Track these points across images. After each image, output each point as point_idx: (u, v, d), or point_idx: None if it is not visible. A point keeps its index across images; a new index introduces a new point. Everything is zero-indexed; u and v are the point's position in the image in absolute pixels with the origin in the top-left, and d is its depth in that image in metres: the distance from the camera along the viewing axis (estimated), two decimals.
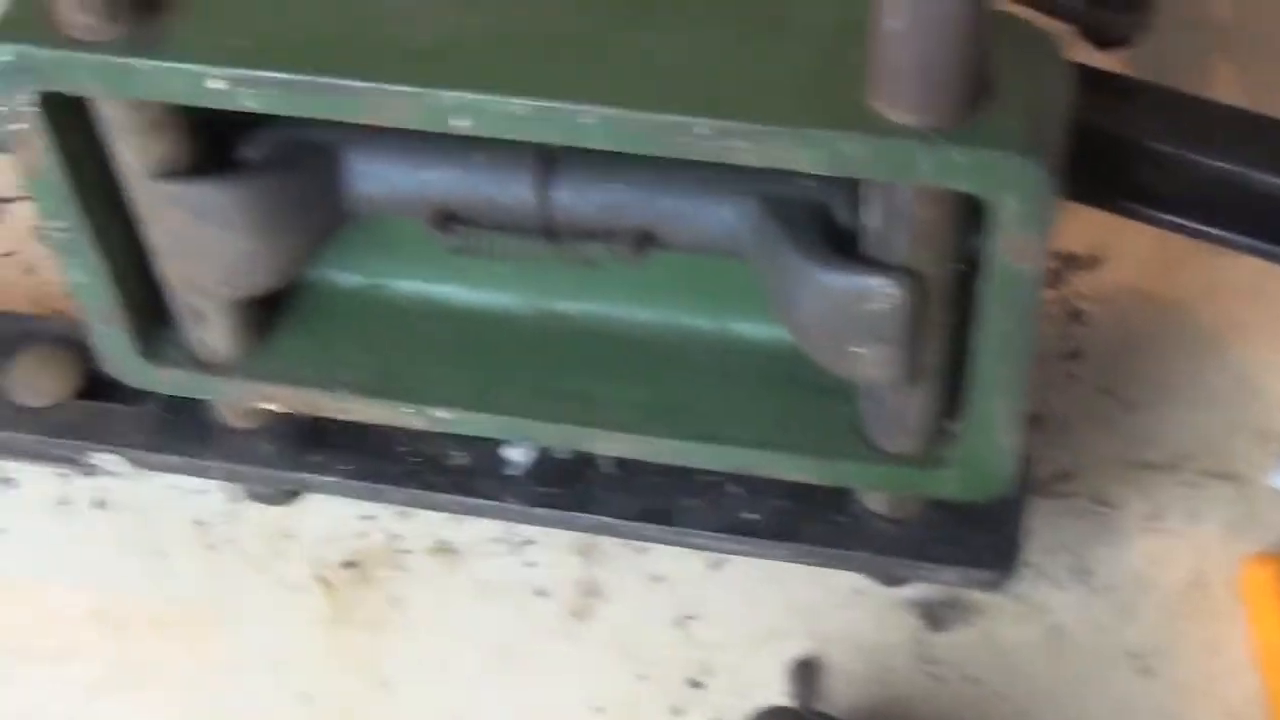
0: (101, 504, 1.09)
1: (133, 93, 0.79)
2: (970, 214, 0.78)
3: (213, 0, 0.79)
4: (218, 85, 0.77)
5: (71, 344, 1.03)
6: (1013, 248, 0.76)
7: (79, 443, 1.02)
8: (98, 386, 1.03)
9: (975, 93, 0.72)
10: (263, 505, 1.07)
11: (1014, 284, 0.77)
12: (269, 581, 1.06)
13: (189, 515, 1.09)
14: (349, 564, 1.06)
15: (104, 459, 1.02)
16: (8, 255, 1.21)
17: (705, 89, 0.75)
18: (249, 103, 0.78)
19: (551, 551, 1.05)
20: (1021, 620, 1.00)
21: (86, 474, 1.07)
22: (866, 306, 0.80)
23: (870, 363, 0.83)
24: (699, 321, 0.95)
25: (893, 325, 0.80)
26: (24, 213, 1.22)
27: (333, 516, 1.07)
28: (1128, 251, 1.11)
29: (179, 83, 0.78)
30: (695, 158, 0.75)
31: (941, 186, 0.74)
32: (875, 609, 1.01)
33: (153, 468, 1.03)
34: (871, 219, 0.79)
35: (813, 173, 0.75)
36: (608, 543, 1.04)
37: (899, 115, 0.73)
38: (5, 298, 1.17)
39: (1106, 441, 1.06)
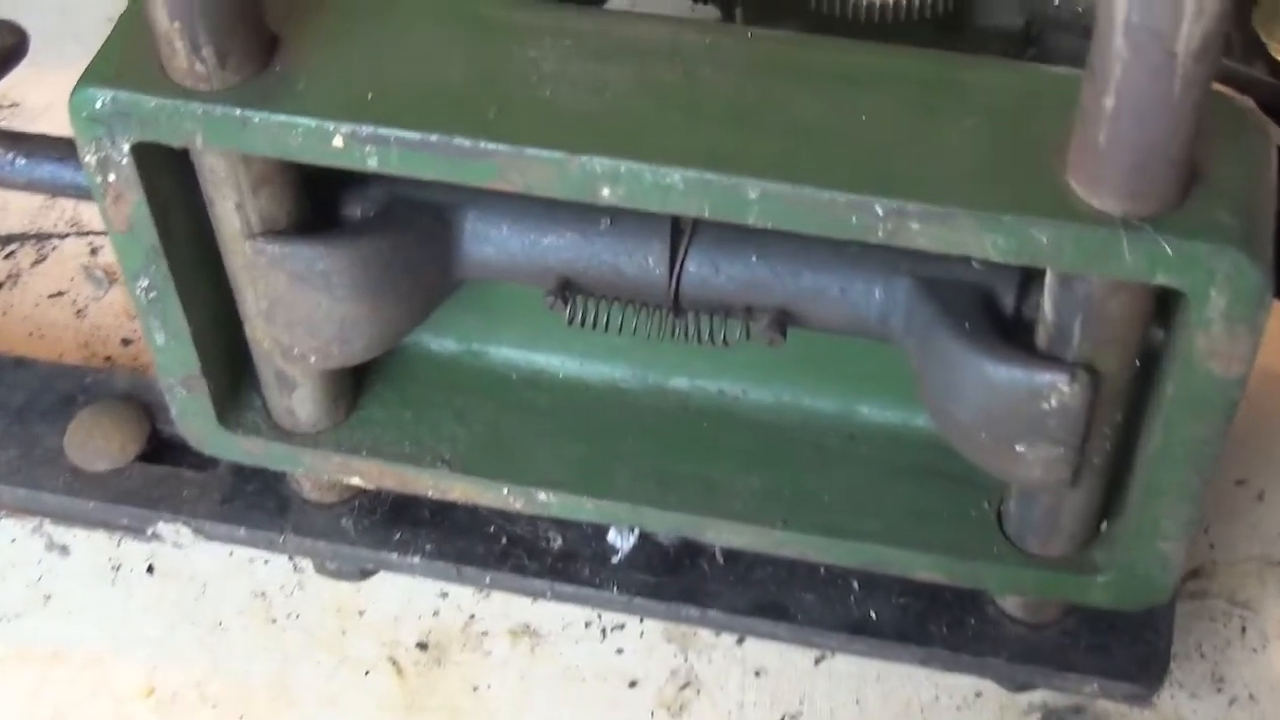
0: (155, 570, 1.01)
1: (245, 146, 0.72)
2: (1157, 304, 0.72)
3: (334, 48, 0.72)
4: (339, 143, 0.70)
5: (134, 402, 0.96)
6: (1213, 350, 0.69)
7: (142, 511, 0.94)
8: (160, 449, 0.96)
9: (1186, 177, 0.66)
10: (332, 579, 0.99)
11: (1208, 389, 0.70)
12: (335, 661, 0.98)
13: (250, 586, 1.01)
14: (422, 645, 0.99)
15: (168, 529, 0.95)
16: (56, 296, 1.14)
17: (878, 164, 0.68)
18: (371, 162, 0.71)
19: (644, 637, 0.98)
20: None
21: (145, 541, 0.99)
22: (1038, 404, 0.73)
23: (1034, 463, 0.76)
24: (823, 403, 0.88)
25: (1066, 425, 0.74)
26: (73, 250, 1.15)
27: (405, 592, 1.00)
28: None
29: (297, 138, 0.71)
30: (865, 239, 0.69)
31: (1141, 280, 0.67)
32: (996, 713, 0.94)
33: (220, 539, 0.96)
34: (1047, 308, 0.73)
35: (996, 260, 0.68)
36: (705, 630, 0.96)
37: (1101, 200, 0.66)
38: (55, 344, 1.10)
39: (1242, 537, 1.00)
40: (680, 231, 0.79)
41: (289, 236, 0.77)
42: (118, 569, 1.01)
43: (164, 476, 0.96)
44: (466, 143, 0.70)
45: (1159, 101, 0.62)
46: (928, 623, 0.89)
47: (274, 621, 1.00)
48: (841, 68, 0.72)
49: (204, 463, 0.94)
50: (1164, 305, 0.72)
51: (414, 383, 0.90)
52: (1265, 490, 1.02)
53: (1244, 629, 0.96)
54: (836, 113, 0.70)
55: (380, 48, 0.73)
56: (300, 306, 0.79)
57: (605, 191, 0.70)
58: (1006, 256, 0.68)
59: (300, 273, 0.78)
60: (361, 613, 1.00)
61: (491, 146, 0.69)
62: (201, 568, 1.01)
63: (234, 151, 0.73)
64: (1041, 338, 0.74)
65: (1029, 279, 0.75)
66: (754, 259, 0.79)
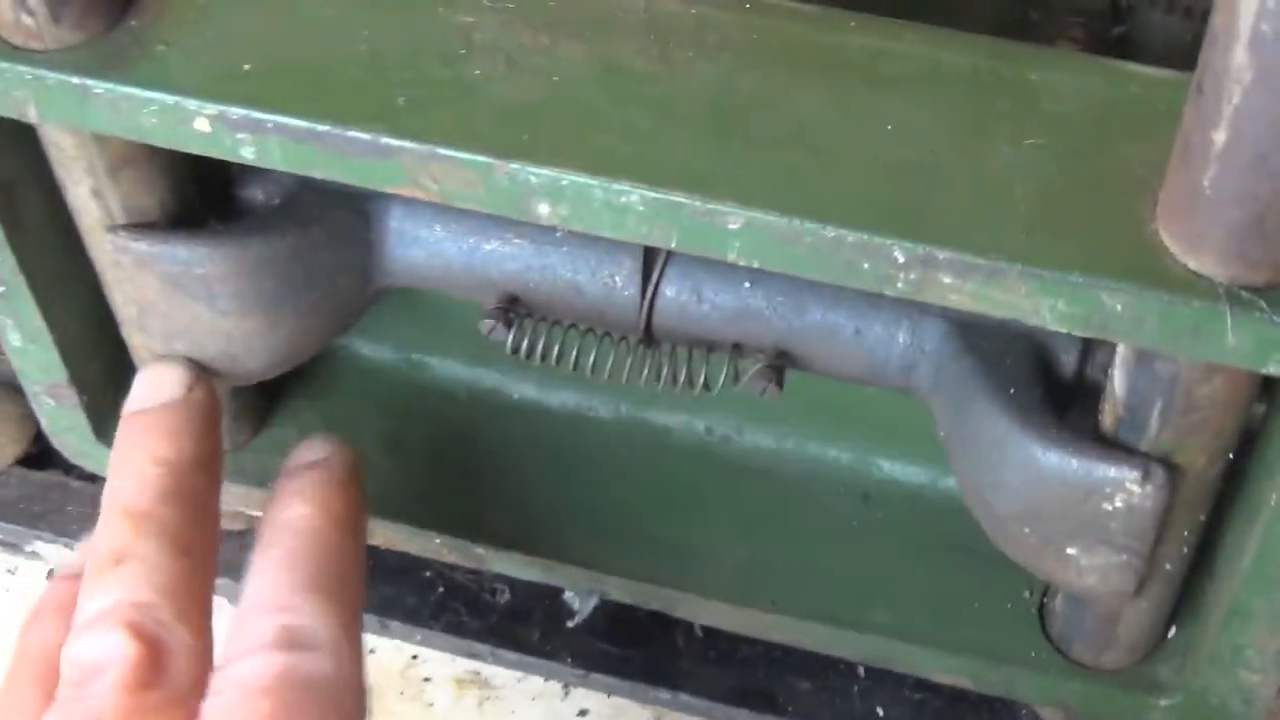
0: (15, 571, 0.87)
1: (86, 124, 0.56)
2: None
3: (207, 4, 0.56)
4: (204, 127, 0.54)
5: (18, 395, 0.80)
6: None
7: (16, 527, 0.79)
8: (50, 450, 0.80)
9: None
10: None
11: None
12: None
13: None
14: None
15: (48, 549, 0.80)
16: None
17: (903, 194, 0.51)
18: (246, 153, 0.54)
19: (611, 697, 0.82)
20: None
21: (26, 557, 0.84)
22: (1099, 503, 0.57)
23: (1089, 570, 0.59)
24: (834, 453, 0.72)
25: (1133, 530, 0.57)
26: None
27: None
28: None
29: (151, 118, 0.54)
30: (881, 291, 0.52)
31: (1247, 367, 0.50)
32: None
33: None
34: (1118, 383, 0.56)
35: (1057, 329, 0.51)
36: None
37: (1200, 262, 0.49)
38: None
39: None
40: (656, 247, 0.62)
41: (159, 232, 0.61)
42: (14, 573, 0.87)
43: (48, 486, 0.81)
44: (365, 137, 0.53)
45: None
46: None
47: None
48: (865, 56, 0.55)
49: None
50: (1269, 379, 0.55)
51: (339, 397, 0.75)
52: None
53: None
54: (853, 119, 0.53)
55: (268, 5, 0.56)
56: (177, 316, 0.63)
57: (543, 209, 0.53)
58: (1068, 326, 0.51)
59: (174, 277, 0.62)
60: None
61: (396, 144, 0.53)
62: None
63: (79, 129, 0.57)
64: (1108, 417, 0.57)
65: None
66: (746, 285, 0.62)
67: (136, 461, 0.59)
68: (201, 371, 0.63)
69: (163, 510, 0.58)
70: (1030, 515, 0.59)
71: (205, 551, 0.58)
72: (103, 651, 0.53)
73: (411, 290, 0.69)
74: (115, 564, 0.56)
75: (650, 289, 0.63)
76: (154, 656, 0.53)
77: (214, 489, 0.61)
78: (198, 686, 0.54)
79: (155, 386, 0.62)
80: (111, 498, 0.59)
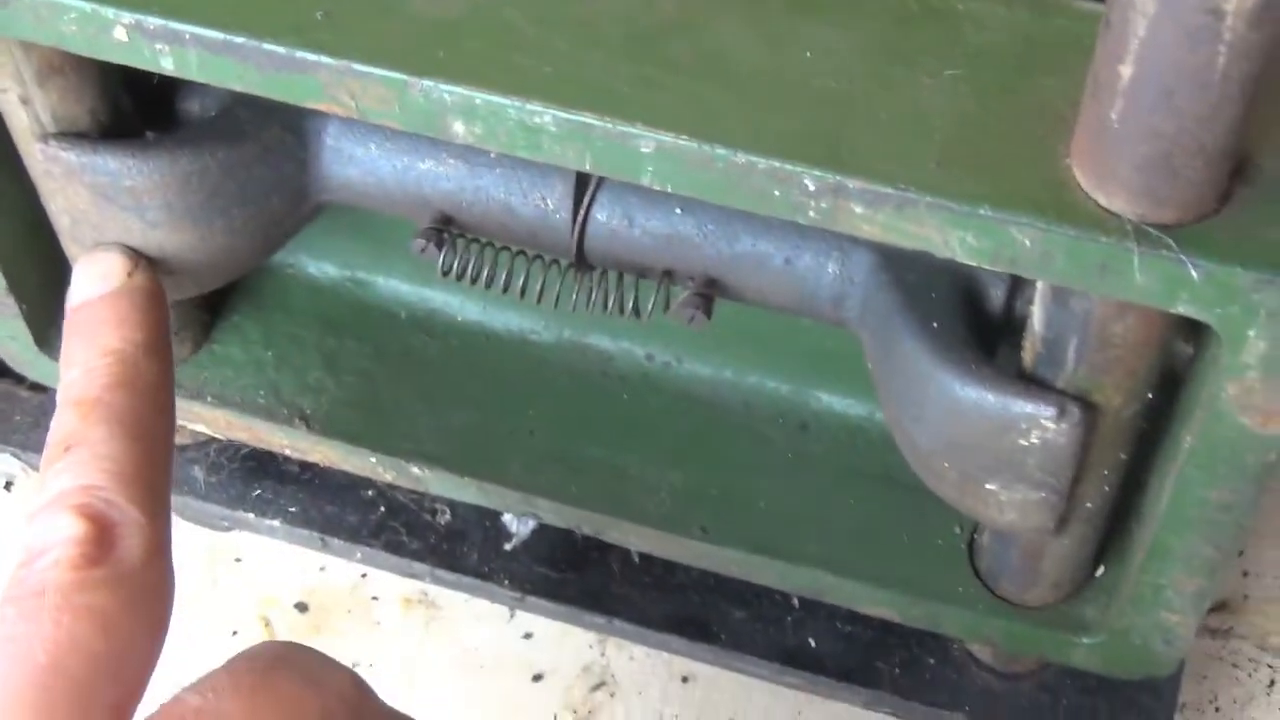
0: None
1: (6, 30, 0.55)
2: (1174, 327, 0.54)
3: None
4: (121, 36, 0.53)
5: None
6: (1247, 402, 0.52)
7: None
8: None
9: (1227, 178, 0.48)
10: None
11: (1237, 447, 0.53)
12: (198, 616, 0.84)
13: None
14: (301, 606, 0.84)
15: None
16: None
17: (818, 122, 0.51)
18: (166, 64, 0.54)
19: (558, 623, 0.82)
20: None
21: None
22: (1015, 439, 0.56)
23: (1007, 505, 0.59)
24: (773, 382, 0.72)
25: (1050, 467, 0.57)
26: None
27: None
28: None
29: (70, 25, 0.54)
30: (791, 219, 0.51)
31: (1155, 306, 0.50)
32: None
33: None
34: (1036, 319, 0.55)
35: (967, 263, 0.51)
36: None
37: (1110, 198, 0.48)
38: None
39: None
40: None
41: (88, 142, 0.61)
42: None
43: None
44: (280, 50, 0.53)
45: (1195, 74, 0.44)
46: (876, 658, 0.73)
47: None
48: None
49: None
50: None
51: (281, 314, 0.75)
52: None
53: (1272, 683, 0.79)
54: (772, 46, 0.53)
55: None
56: (109, 228, 0.63)
57: (458, 127, 0.53)
58: (978, 260, 0.50)
59: (103, 188, 0.62)
60: (238, 560, 0.85)
61: (313, 58, 0.53)
62: None
63: None
64: (1028, 354, 0.57)
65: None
66: (678, 212, 0.62)
67: (84, 355, 0.59)
68: (138, 256, 0.63)
69: (111, 397, 0.57)
70: (951, 450, 0.59)
71: (158, 436, 0.58)
72: (51, 533, 0.53)
73: (356, 209, 0.69)
74: (65, 451, 0.56)
75: (581, 212, 0.62)
76: (100, 534, 0.53)
77: (166, 373, 0.60)
78: (150, 565, 0.53)
79: (95, 277, 0.62)
80: (64, 391, 0.59)
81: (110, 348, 0.59)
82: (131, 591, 0.52)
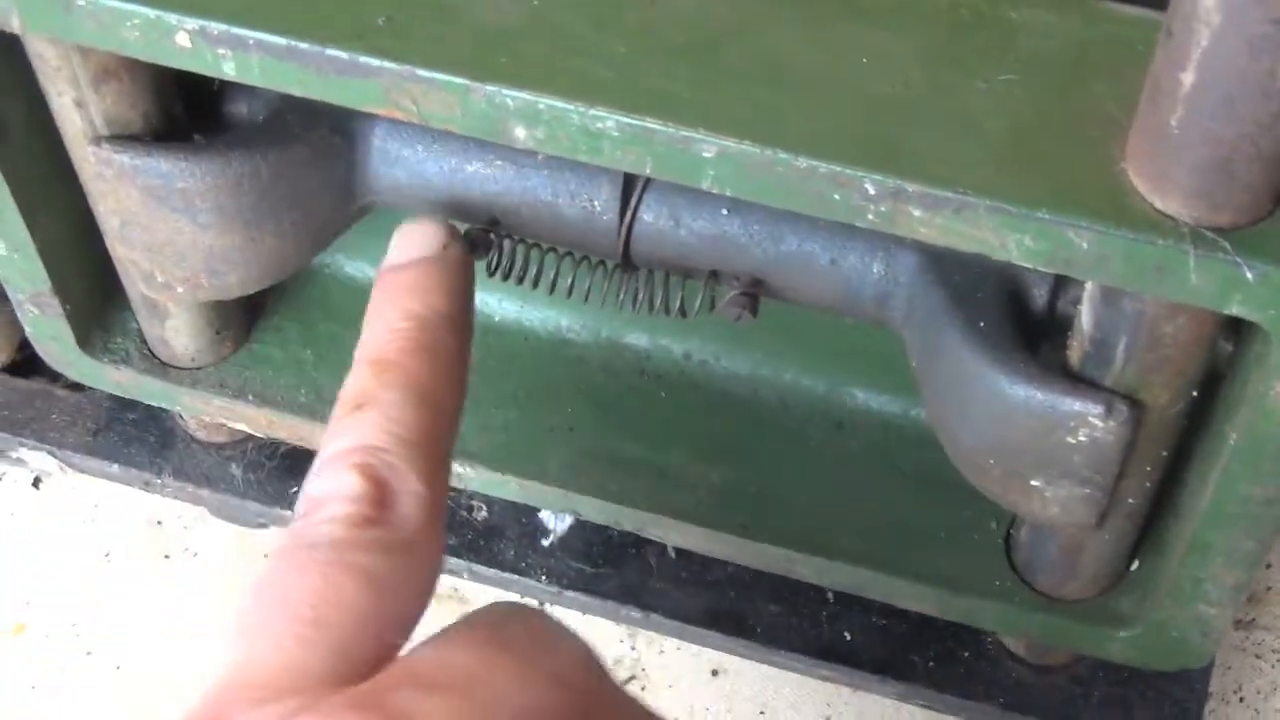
0: (41, 485, 0.87)
1: (70, 35, 0.56)
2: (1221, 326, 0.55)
3: None
4: (184, 42, 0.54)
5: (3, 301, 0.80)
6: None
7: (3, 435, 0.80)
8: (35, 358, 0.81)
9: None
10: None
11: None
12: (231, 609, 0.84)
13: (146, 511, 0.87)
14: None
15: (32, 456, 0.81)
16: None
17: (876, 127, 0.52)
18: (228, 69, 0.55)
19: (587, 615, 0.83)
20: None
21: (11, 463, 0.85)
22: (1063, 436, 0.57)
23: (1052, 502, 0.60)
24: (810, 380, 0.73)
25: (1096, 463, 0.58)
26: None
27: None
28: None
29: (133, 32, 0.55)
30: (850, 222, 0.52)
31: (1209, 308, 0.51)
32: None
33: (90, 473, 0.81)
34: (1085, 318, 0.56)
35: (1024, 265, 0.52)
36: None
37: (1166, 202, 0.49)
38: None
39: None
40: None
41: (141, 144, 0.62)
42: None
43: (32, 393, 0.82)
44: (343, 56, 0.53)
45: (1258, 82, 0.45)
46: (911, 651, 0.74)
47: (167, 557, 0.86)
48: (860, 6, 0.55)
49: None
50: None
51: (320, 313, 0.75)
52: None
53: None
54: (829, 51, 0.54)
55: None
56: (159, 230, 0.64)
57: (519, 132, 0.53)
58: (1034, 262, 0.51)
59: (156, 190, 0.62)
60: (267, 555, 0.86)
61: (375, 64, 0.53)
62: (95, 485, 0.87)
63: (58, 39, 0.57)
64: (1075, 352, 0.58)
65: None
66: (724, 213, 0.63)
67: (388, 315, 0.59)
68: (455, 229, 0.62)
69: (408, 361, 0.57)
70: (996, 447, 0.60)
71: (447, 408, 0.58)
72: (330, 489, 0.52)
73: (395, 209, 0.70)
74: (356, 409, 0.55)
75: (629, 214, 0.63)
76: (380, 496, 0.52)
77: (464, 347, 0.60)
78: (422, 534, 0.52)
79: (410, 243, 0.61)
80: (362, 349, 0.58)
81: (414, 312, 0.59)
82: (402, 556, 0.51)
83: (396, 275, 0.60)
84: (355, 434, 0.54)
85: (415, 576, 0.52)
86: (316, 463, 0.54)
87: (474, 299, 0.61)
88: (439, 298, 0.59)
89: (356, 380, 0.57)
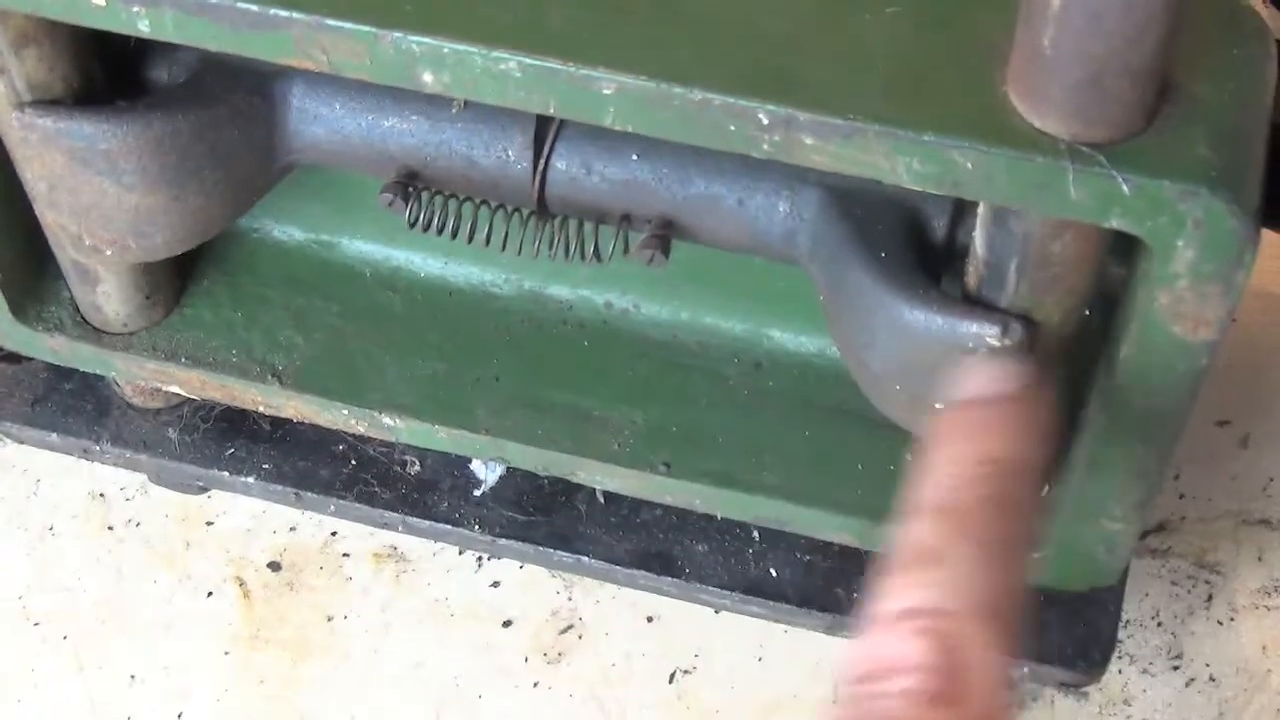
0: None
1: None
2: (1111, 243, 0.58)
3: None
4: (100, 0, 0.56)
5: None
6: (1177, 310, 0.55)
7: None
8: None
9: (1154, 97, 0.51)
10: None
11: (1169, 354, 0.57)
12: (174, 578, 0.86)
13: (88, 485, 0.88)
14: (274, 565, 0.86)
15: None
16: None
17: (769, 60, 0.54)
18: (142, 26, 0.57)
19: (524, 569, 0.85)
20: (1096, 716, 0.80)
21: None
22: (964, 358, 0.59)
23: None
24: (728, 324, 0.75)
25: None
26: None
27: (261, 501, 0.86)
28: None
29: None
30: (746, 153, 0.54)
31: (1090, 221, 0.53)
32: None
33: (29, 444, 0.83)
34: (979, 243, 0.59)
35: (911, 188, 0.54)
36: None
37: (1044, 121, 0.52)
38: None
39: (1218, 489, 0.86)
40: (547, 121, 0.65)
41: (63, 109, 0.63)
42: None
43: None
44: (254, 8, 0.55)
45: None
46: (836, 585, 0.76)
47: (111, 529, 0.87)
48: None
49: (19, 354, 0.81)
50: (1127, 240, 0.58)
51: (249, 276, 0.77)
52: (1250, 435, 0.88)
53: (1210, 597, 0.83)
54: None
55: None
56: (85, 192, 0.65)
57: (427, 77, 0.55)
58: (923, 184, 0.54)
59: (80, 153, 0.64)
60: (210, 523, 0.88)
61: (285, 14, 0.55)
62: (36, 461, 0.88)
63: None
64: (971, 277, 0.60)
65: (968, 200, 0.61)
66: (634, 158, 0.65)
67: (964, 455, 0.53)
68: (1045, 371, 0.57)
69: (983, 513, 0.52)
70: (902, 373, 0.62)
71: (1019, 570, 0.52)
72: (898, 653, 0.48)
73: (320, 172, 0.72)
74: (927, 563, 0.50)
75: (541, 162, 0.65)
76: (954, 673, 0.48)
77: (1036, 502, 0.55)
78: (996, 714, 0.48)
79: (994, 378, 0.56)
80: (932, 490, 0.53)
81: (994, 457, 0.53)
82: None
83: (977, 411, 0.55)
84: (923, 594, 0.49)
85: None
86: (880, 611, 0.50)
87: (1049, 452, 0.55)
88: (1021, 443, 0.54)
89: (922, 530, 0.51)
